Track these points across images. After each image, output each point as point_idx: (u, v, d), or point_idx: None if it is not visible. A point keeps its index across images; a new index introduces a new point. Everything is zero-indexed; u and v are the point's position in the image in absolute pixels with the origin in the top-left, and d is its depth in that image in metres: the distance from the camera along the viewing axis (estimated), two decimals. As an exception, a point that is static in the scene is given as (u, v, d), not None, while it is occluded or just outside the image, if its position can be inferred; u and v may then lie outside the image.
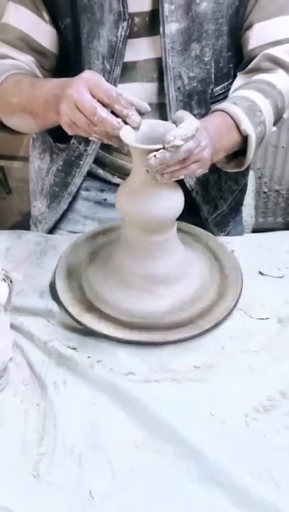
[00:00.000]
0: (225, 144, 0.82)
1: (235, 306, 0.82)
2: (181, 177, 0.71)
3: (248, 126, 0.84)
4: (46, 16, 0.93)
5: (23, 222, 1.25)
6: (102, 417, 0.67)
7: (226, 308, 0.81)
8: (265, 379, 0.73)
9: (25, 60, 0.95)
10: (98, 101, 0.70)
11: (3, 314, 0.69)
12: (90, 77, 0.72)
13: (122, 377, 0.72)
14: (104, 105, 0.70)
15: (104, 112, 0.69)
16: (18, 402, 0.70)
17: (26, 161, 1.21)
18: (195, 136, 0.68)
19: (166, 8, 0.87)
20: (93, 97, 0.70)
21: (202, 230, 0.97)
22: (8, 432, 0.66)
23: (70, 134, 0.75)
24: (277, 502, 0.58)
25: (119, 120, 0.70)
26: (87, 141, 1.00)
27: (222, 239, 0.98)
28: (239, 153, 0.89)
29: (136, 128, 0.71)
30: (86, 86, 0.70)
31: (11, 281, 0.70)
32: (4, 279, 0.70)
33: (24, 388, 0.71)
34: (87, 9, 0.90)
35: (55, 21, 0.94)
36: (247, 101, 0.87)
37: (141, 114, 0.73)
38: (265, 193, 1.88)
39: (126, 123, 0.71)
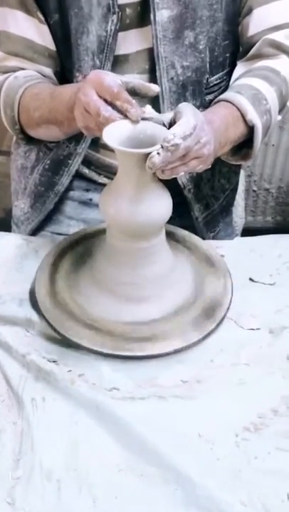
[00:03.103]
0: (231, 137, 0.81)
1: (225, 315, 0.78)
2: (182, 173, 0.70)
3: (253, 116, 0.82)
4: (40, 16, 0.89)
5: (6, 219, 1.20)
6: (83, 438, 0.63)
7: (216, 319, 0.77)
8: (256, 395, 0.69)
9: (38, 69, 0.93)
10: (105, 100, 0.69)
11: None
12: (93, 78, 0.71)
13: (105, 394, 0.68)
14: (110, 102, 0.69)
15: (107, 112, 0.69)
16: (-8, 420, 0.66)
17: (10, 156, 1.16)
18: (194, 133, 0.66)
19: None
20: (100, 97, 0.69)
21: (192, 234, 0.93)
22: (-19, 453, 0.62)
23: (89, 137, 0.75)
24: (269, 533, 0.54)
25: (122, 116, 0.69)
26: (77, 140, 0.96)
27: (212, 243, 0.94)
28: (244, 144, 0.86)
29: (135, 122, 0.70)
30: (92, 87, 0.70)
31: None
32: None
33: (0, 405, 0.67)
34: (74, 3, 0.86)
35: (45, 18, 0.90)
36: (251, 89, 0.84)
37: (149, 96, 0.72)
38: (254, 191, 1.85)
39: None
